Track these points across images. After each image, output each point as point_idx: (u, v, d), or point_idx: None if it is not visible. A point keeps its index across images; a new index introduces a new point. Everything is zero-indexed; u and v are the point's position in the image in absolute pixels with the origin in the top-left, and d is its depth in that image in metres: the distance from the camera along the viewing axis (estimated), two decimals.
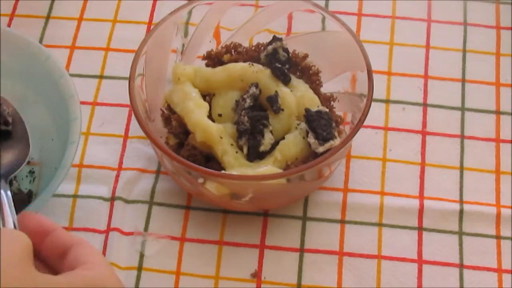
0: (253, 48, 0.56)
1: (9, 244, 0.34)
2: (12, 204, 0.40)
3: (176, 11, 0.55)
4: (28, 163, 0.55)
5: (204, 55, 0.56)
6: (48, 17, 0.63)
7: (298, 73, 0.55)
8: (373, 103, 0.51)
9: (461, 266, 0.52)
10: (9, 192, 0.41)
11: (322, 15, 0.56)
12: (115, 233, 0.53)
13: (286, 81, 0.53)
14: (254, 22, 0.58)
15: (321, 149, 0.50)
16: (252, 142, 0.50)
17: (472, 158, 0.57)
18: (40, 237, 0.37)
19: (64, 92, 0.50)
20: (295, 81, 0.53)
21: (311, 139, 0.50)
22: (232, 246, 0.53)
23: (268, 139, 0.51)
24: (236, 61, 0.55)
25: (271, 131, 0.51)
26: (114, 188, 0.55)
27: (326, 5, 0.64)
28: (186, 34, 0.58)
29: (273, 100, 0.51)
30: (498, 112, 0.59)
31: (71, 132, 0.48)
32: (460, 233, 0.53)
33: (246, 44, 0.57)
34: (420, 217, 0.54)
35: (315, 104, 0.52)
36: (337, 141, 0.50)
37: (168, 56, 0.56)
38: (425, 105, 0.59)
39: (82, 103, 0.59)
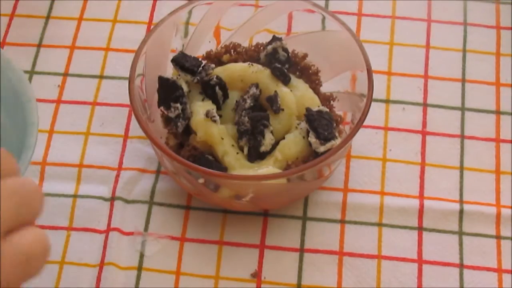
0: (253, 48, 0.56)
1: None
2: None
3: (176, 11, 0.55)
4: None
5: (203, 55, 0.56)
6: (48, 17, 0.63)
7: (297, 73, 0.55)
8: (373, 103, 0.51)
9: (461, 266, 0.52)
10: None
11: (322, 15, 0.56)
12: (115, 233, 0.53)
13: (286, 81, 0.53)
14: (253, 22, 0.58)
15: (322, 148, 0.50)
16: (252, 143, 0.51)
17: (472, 158, 0.57)
18: None
19: (22, 96, 0.49)
20: (294, 80, 0.53)
21: (312, 138, 0.50)
22: (232, 246, 0.53)
23: (268, 139, 0.51)
24: (235, 61, 0.55)
25: (271, 131, 0.51)
26: (114, 188, 0.55)
27: (326, 5, 0.64)
28: (186, 34, 0.58)
29: (273, 100, 0.51)
30: (498, 112, 0.59)
31: (28, 136, 0.47)
32: (460, 233, 0.53)
33: (245, 44, 0.57)
34: (420, 217, 0.54)
35: (315, 104, 0.52)
36: (338, 141, 0.50)
37: (168, 56, 0.56)
38: (425, 105, 0.59)
39: (83, 103, 0.59)
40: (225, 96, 0.52)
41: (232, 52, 0.56)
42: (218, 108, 0.52)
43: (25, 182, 0.31)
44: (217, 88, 0.52)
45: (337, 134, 0.51)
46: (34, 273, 0.31)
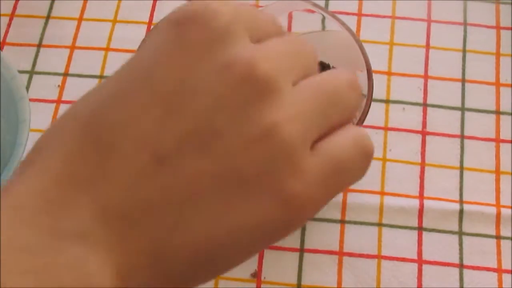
0: None
1: None
2: None
3: None
4: None
5: None
6: (48, 17, 0.63)
7: None
8: (373, 103, 0.51)
9: (461, 266, 0.52)
10: None
11: (322, 15, 0.56)
12: None
13: None
14: None
15: None
16: None
17: (472, 158, 0.57)
18: None
19: (15, 93, 0.49)
20: None
21: None
22: None
23: None
24: None
25: None
26: None
27: (326, 5, 0.64)
28: None
29: None
30: (498, 112, 0.59)
31: (19, 133, 0.47)
32: (460, 233, 0.53)
33: None
34: (420, 217, 0.54)
35: None
36: None
37: None
38: (425, 105, 0.59)
39: None
40: None
41: None
42: None
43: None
44: None
45: None
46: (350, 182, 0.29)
